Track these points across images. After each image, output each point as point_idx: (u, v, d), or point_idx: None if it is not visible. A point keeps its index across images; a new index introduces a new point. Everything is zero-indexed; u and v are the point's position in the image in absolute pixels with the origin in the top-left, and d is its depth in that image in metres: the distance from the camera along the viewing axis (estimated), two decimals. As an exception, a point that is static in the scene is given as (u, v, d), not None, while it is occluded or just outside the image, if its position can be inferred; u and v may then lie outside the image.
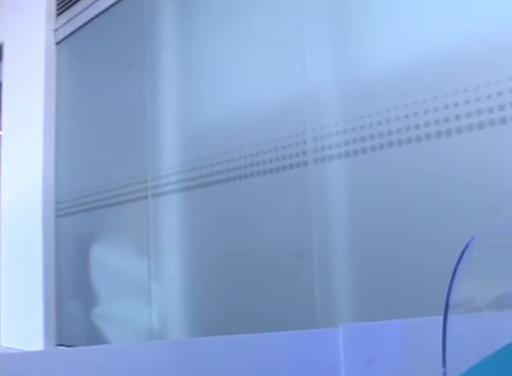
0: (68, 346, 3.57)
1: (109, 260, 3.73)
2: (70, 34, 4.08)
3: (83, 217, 3.90)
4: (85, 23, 3.90)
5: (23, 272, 4.33)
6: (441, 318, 1.72)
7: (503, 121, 1.78)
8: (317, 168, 2.34)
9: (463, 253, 1.65)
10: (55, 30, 4.22)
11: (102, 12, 3.71)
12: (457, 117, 1.88)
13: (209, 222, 2.94)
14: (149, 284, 3.24)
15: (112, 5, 3.61)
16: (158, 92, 3.26)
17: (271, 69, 2.59)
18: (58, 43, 4.22)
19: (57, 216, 4.08)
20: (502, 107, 1.78)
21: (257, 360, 2.17)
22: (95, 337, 3.62)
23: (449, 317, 1.78)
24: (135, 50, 3.44)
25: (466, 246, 1.62)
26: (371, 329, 2.27)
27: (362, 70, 2.26)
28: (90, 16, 3.83)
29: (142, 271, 3.31)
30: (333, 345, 2.14)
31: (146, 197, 3.26)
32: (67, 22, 4.09)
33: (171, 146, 3.17)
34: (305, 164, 2.38)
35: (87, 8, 3.86)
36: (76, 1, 3.99)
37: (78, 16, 3.95)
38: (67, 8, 4.09)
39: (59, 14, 4.20)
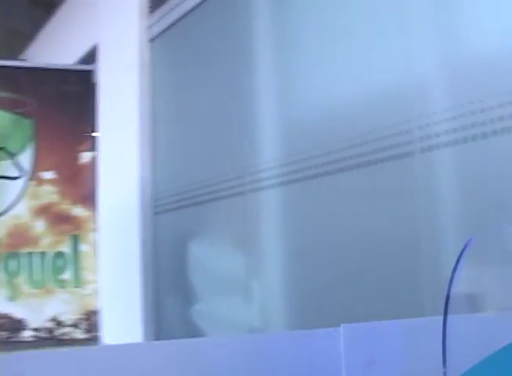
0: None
1: (208, 257, 3.72)
2: (164, 31, 4.10)
3: (181, 213, 3.91)
4: (179, 19, 3.90)
5: (121, 270, 4.38)
6: (441, 318, 1.64)
7: None
8: (424, 158, 2.25)
9: (461, 254, 1.57)
10: (149, 27, 4.23)
11: (196, 7, 3.70)
12: None
13: (309, 217, 2.89)
14: (249, 282, 3.22)
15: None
16: (254, 85, 3.23)
17: (372, 55, 2.52)
18: (151, 40, 4.24)
19: (155, 213, 4.10)
20: None
21: (258, 360, 2.13)
22: (193, 335, 3.62)
23: (449, 317, 1.70)
24: (230, 43, 3.41)
25: (465, 247, 1.53)
26: (372, 329, 2.22)
27: (470, 53, 2.16)
28: (183, 11, 3.82)
29: (241, 268, 3.29)
30: (334, 345, 2.09)
31: (244, 193, 3.23)
32: (160, 19, 4.10)
33: (269, 140, 3.13)
34: (411, 154, 2.30)
35: (180, 3, 3.85)
36: (169, -3, 4.00)
37: (171, 12, 3.95)
38: (160, 4, 4.10)
39: (151, 11, 4.21)
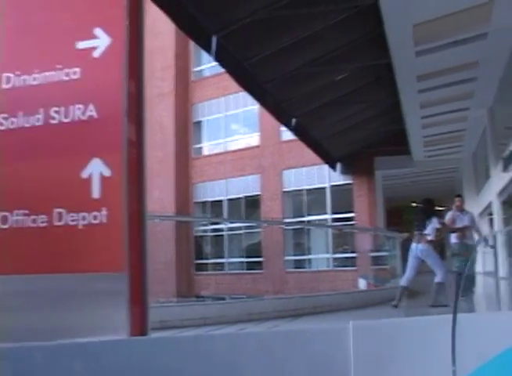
0: None
1: None
2: None
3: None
4: None
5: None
6: (450, 316, 1.75)
7: None
8: None
9: (470, 254, 1.69)
10: None
11: None
12: None
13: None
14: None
15: None
16: None
17: None
18: None
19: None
20: None
21: (267, 356, 2.24)
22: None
23: (459, 316, 1.81)
24: None
25: (474, 249, 1.65)
26: (380, 327, 2.32)
27: None
28: None
29: None
30: (343, 343, 2.21)
31: None
32: None
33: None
34: None
35: None
36: None
37: None
38: None
39: None
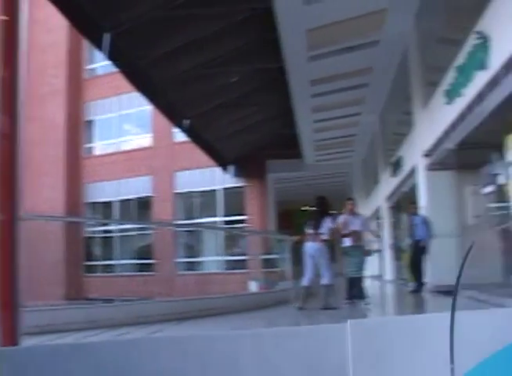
0: None
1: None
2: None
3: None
4: None
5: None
6: (448, 314, 1.75)
7: None
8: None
9: (466, 256, 1.70)
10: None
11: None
12: None
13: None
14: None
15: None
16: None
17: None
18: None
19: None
20: None
21: (265, 355, 2.22)
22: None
23: (457, 314, 1.82)
24: None
25: (469, 249, 1.66)
26: (378, 325, 2.34)
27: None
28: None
29: None
30: (341, 341, 2.21)
31: None
32: None
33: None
34: None
35: None
36: None
37: None
38: None
39: None
